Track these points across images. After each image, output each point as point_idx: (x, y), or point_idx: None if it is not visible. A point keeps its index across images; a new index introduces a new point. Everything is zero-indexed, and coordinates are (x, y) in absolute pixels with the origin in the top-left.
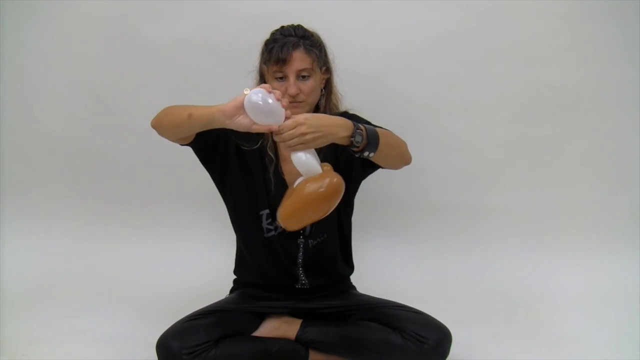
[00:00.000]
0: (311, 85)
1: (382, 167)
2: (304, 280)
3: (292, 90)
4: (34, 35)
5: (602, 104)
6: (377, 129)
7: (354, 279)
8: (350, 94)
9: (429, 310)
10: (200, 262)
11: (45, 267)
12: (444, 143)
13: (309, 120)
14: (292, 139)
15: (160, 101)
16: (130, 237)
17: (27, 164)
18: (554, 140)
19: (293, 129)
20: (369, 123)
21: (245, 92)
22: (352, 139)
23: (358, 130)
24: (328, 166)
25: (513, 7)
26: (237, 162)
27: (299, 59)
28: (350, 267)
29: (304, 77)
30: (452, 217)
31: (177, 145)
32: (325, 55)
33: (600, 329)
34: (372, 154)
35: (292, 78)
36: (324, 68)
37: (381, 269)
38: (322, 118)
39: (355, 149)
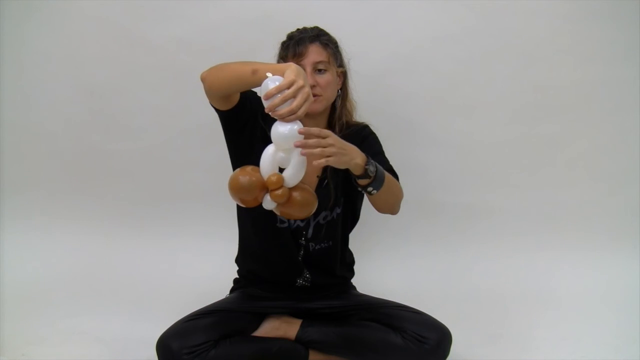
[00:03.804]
0: (327, 79)
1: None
2: (307, 274)
3: (309, 81)
4: (34, 35)
5: (602, 104)
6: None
7: (354, 278)
8: (351, 93)
9: (429, 310)
10: (200, 262)
11: (45, 267)
12: (444, 143)
13: (335, 137)
14: (318, 146)
15: (160, 101)
16: (130, 237)
17: (27, 164)
18: (553, 140)
19: (322, 137)
20: (381, 151)
21: (268, 75)
22: (367, 167)
23: (371, 161)
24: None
25: (513, 7)
26: (263, 147)
27: (315, 52)
28: (350, 272)
29: (320, 70)
30: (452, 217)
31: (177, 144)
32: (341, 55)
33: (600, 329)
34: (374, 191)
35: (308, 69)
36: (340, 69)
37: (381, 269)
38: (344, 141)
39: (361, 182)
